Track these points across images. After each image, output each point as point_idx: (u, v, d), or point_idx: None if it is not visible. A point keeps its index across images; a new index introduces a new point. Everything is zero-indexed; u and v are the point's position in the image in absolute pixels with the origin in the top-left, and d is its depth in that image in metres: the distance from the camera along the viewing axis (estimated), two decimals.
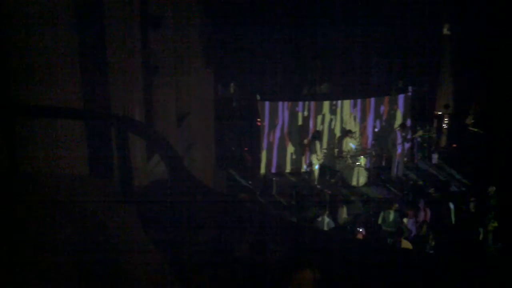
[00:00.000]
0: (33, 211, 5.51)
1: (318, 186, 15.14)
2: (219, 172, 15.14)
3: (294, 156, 16.06)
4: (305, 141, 15.84)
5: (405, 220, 12.29)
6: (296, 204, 14.03)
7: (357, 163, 15.23)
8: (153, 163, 9.20)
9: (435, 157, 16.67)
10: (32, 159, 6.58)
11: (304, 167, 16.01)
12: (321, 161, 15.42)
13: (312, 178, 15.36)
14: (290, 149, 16.01)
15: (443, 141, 17.42)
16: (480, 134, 17.52)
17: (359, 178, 15.13)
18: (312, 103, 16.03)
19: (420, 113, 17.18)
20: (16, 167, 6.64)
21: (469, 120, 18.17)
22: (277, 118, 15.81)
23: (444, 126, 17.42)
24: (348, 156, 15.38)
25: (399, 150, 15.61)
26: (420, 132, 16.67)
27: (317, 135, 15.54)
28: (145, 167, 9.06)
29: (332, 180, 15.49)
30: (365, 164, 15.45)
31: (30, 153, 6.56)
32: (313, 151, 15.33)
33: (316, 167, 15.31)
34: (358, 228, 11.68)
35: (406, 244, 10.97)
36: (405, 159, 16.16)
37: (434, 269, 6.21)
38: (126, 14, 8.61)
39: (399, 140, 15.61)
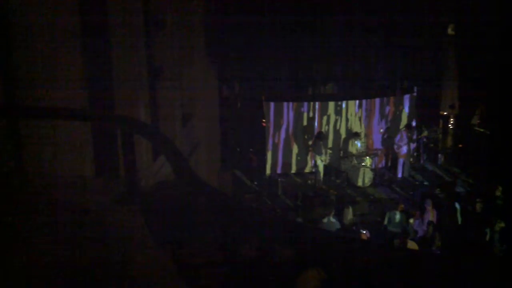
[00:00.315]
0: (37, 211, 5.51)
1: (324, 187, 15.12)
2: (224, 173, 15.14)
3: (299, 157, 16.04)
4: (310, 142, 15.83)
5: (411, 220, 12.23)
6: (302, 205, 13.99)
7: (362, 164, 15.20)
8: (159, 164, 9.20)
9: (440, 157, 16.61)
10: (37, 160, 6.59)
11: (310, 168, 15.99)
12: (326, 161, 15.39)
13: (318, 179, 15.34)
14: (295, 149, 16.00)
15: (449, 142, 17.35)
16: (486, 134, 17.43)
17: (365, 178, 15.09)
18: (317, 104, 16.02)
19: (425, 114, 17.11)
20: (21, 168, 6.65)
21: (475, 120, 18.07)
22: (282, 118, 15.80)
23: (450, 126, 17.35)
24: (354, 156, 15.36)
25: (405, 150, 15.55)
26: (425, 133, 16.60)
27: (322, 136, 15.50)
28: (150, 168, 9.06)
29: (338, 181, 15.47)
30: (370, 165, 15.41)
31: (35, 154, 6.57)
32: (318, 151, 15.29)
33: (321, 167, 15.28)
34: (362, 230, 11.62)
35: (412, 244, 10.93)
36: (411, 159, 16.11)
37: (440, 269, 6.18)
38: (130, 16, 8.62)
39: (405, 140, 15.56)
